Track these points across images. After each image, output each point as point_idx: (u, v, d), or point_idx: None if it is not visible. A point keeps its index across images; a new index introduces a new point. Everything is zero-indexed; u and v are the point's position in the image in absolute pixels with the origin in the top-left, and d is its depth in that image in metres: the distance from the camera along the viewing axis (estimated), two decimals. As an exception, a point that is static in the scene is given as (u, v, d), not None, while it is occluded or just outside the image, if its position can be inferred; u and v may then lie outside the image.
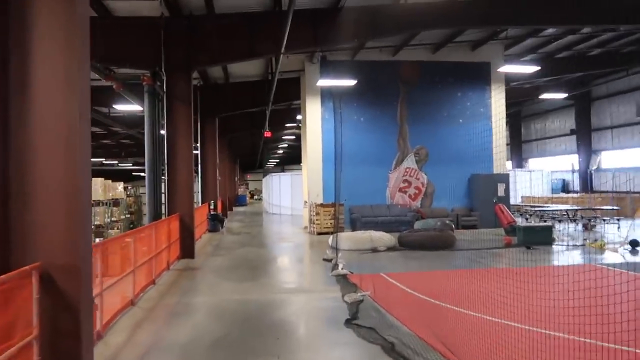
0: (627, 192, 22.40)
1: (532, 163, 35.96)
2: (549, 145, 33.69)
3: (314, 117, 17.92)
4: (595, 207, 17.55)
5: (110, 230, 18.28)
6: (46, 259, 3.93)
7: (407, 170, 18.44)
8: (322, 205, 16.99)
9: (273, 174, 31.57)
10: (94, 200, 18.08)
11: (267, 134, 19.88)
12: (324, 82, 16.21)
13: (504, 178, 18.47)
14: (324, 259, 11.10)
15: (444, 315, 6.36)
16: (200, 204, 19.30)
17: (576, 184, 31.98)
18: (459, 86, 18.79)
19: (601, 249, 12.20)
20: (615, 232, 15.77)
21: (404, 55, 17.93)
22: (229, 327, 6.05)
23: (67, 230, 3.98)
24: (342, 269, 9.39)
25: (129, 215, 21.90)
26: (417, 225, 16.72)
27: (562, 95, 26.18)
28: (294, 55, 16.77)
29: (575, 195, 28.52)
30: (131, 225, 20.74)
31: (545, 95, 25.19)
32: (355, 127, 18.13)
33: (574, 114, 30.92)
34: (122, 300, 6.72)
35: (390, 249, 12.72)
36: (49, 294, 3.92)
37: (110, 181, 19.83)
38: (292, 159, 60.22)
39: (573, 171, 32.17)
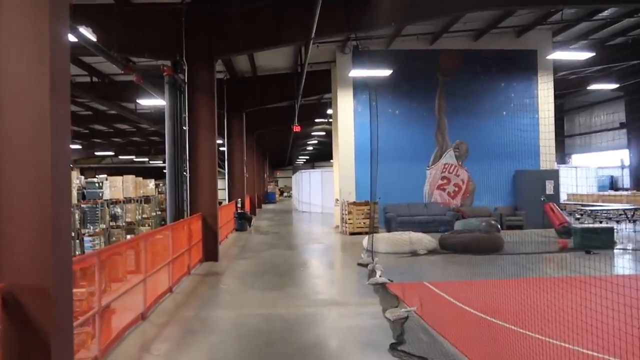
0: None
1: (576, 159, 33.94)
2: (594, 140, 31.64)
3: (345, 110, 16.87)
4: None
5: (141, 227, 17.97)
6: (11, 280, 3.04)
7: (446, 166, 17.20)
8: (355, 203, 15.95)
9: (303, 170, 30.70)
10: (125, 197, 18.12)
11: (297, 128, 18.93)
12: (357, 73, 15.13)
13: (553, 175, 17.00)
14: (359, 264, 10.07)
15: (509, 338, 5.25)
16: (227, 202, 18.55)
17: (626, 180, 29.94)
18: (503, 76, 17.40)
19: (673, 254, 10.78)
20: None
21: (443, 43, 16.67)
22: (249, 354, 5.10)
23: (38, 244, 3.07)
24: (380, 276, 8.35)
25: (159, 212, 21.47)
26: (458, 225, 15.47)
27: (612, 86, 24.34)
28: (324, 45, 15.77)
29: (625, 192, 26.60)
30: (162, 222, 20.25)
31: (593, 87, 23.42)
32: (389, 120, 16.99)
33: (623, 106, 28.88)
34: (130, 315, 5.86)
35: (431, 252, 11.59)
36: (14, 324, 3.03)
37: (141, 178, 19.54)
38: (322, 155, 59.29)
39: (622, 167, 30.13)
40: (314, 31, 10.50)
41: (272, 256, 11.74)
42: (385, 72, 14.72)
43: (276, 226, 19.79)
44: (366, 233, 15.80)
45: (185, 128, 10.93)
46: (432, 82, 17.18)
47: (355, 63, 15.94)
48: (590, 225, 12.15)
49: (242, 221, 17.72)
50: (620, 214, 15.98)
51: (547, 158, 17.48)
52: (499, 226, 13.63)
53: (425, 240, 11.79)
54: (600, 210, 16.02)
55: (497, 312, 6.16)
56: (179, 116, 10.81)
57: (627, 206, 16.38)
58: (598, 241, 11.66)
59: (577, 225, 12.43)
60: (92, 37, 8.70)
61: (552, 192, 16.65)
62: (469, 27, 15.89)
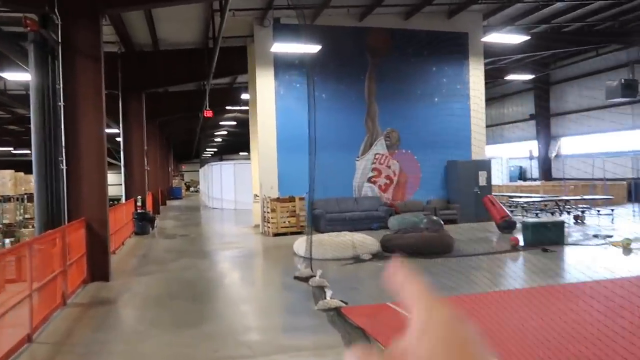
0: (601, 180, 20.94)
1: (488, 150, 34.52)
2: (506, 131, 32.30)
3: (266, 93, 14.67)
4: (587, 197, 15.63)
5: (23, 229, 14.72)
6: None
7: (377, 157, 15.67)
8: (278, 199, 13.87)
9: (213, 163, 27.91)
10: (2, 196, 15.09)
11: (208, 113, 16.35)
12: (279, 47, 12.96)
13: (486, 165, 16.16)
14: (296, 277, 8.04)
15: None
16: (123, 201, 15.58)
17: (534, 171, 30.83)
18: (434, 60, 16.20)
19: (628, 248, 10.02)
20: (611, 224, 13.91)
21: (373, 20, 15.06)
22: None
23: None
24: (331, 297, 6.39)
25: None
26: (393, 222, 14.03)
27: (526, 77, 24.54)
28: (240, 14, 13.46)
29: (535, 183, 27.19)
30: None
31: (510, 77, 23.38)
32: (316, 105, 15.07)
33: (533, 98, 29.58)
34: None
35: (375, 256, 9.87)
36: None
37: (22, 173, 16.45)
38: (232, 147, 56.27)
39: (531, 158, 30.98)
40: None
41: (182, 269, 9.32)
42: (312, 49, 12.73)
43: (184, 227, 17.11)
44: (292, 233, 13.85)
45: (61, 104, 8.14)
46: (362, 63, 15.52)
47: (277, 38, 13.83)
48: (542, 220, 11.19)
49: (143, 223, 14.89)
50: (555, 206, 15.47)
51: (478, 147, 16.66)
52: (442, 222, 12.29)
53: (367, 242, 10.03)
54: (531, 202, 15.40)
55: (498, 342, 4.50)
56: (50, 88, 8.00)
57: (562, 197, 15.93)
58: (550, 236, 10.69)
59: (527, 219, 11.42)
60: None
61: (485, 184, 15.80)
62: (400, 2, 14.43)
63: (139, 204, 15.55)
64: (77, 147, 8.19)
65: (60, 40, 8.07)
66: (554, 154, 28.92)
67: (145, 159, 16.98)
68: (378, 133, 15.68)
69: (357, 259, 9.58)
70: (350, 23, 15.05)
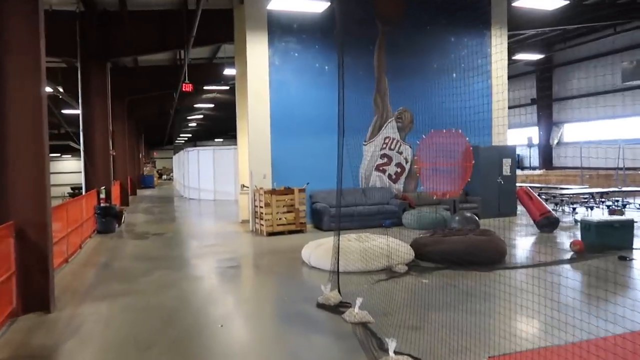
0: (620, 169, 19.19)
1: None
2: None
3: (258, 64, 12.13)
4: (628, 188, 13.71)
5: None
6: None
7: (387, 140, 13.39)
8: (273, 191, 11.46)
9: (189, 149, 25.19)
10: None
11: (187, 87, 13.69)
12: (280, 4, 10.32)
13: (510, 152, 14.06)
14: (320, 305, 5.72)
15: None
16: (83, 192, 12.95)
17: (534, 159, 29.13)
18: (453, 29, 13.94)
19: None
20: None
21: (384, -21, 12.70)
22: None
23: None
24: (395, 352, 4.07)
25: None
26: (409, 219, 11.86)
27: (536, 57, 22.61)
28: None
29: (537, 172, 25.45)
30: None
31: (519, 56, 21.33)
32: (316, 79, 12.69)
33: (534, 81, 27.77)
34: None
35: (410, 266, 7.60)
36: None
37: None
38: (208, 133, 53.29)
39: (530, 145, 29.25)
40: None
41: (157, 288, 6.86)
42: (321, 5, 10.25)
43: (158, 223, 14.54)
44: (290, 232, 11.49)
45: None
46: (371, 31, 13.14)
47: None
48: (609, 219, 9.14)
49: (108, 219, 12.28)
50: (585, 198, 13.51)
51: (499, 131, 14.55)
52: (478, 220, 10.11)
53: (402, 249, 7.74)
54: (563, 194, 13.37)
55: None
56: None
57: (595, 190, 13.96)
58: (616, 239, 8.66)
59: (589, 218, 9.33)
60: None
61: (509, 173, 13.73)
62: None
63: (102, 195, 12.92)
64: (1, 117, 5.62)
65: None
66: (555, 141, 27.24)
67: (111, 143, 14.28)
68: (389, 113, 13.38)
69: (389, 271, 7.31)
70: (358, -19, 12.62)
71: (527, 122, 28.51)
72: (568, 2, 12.96)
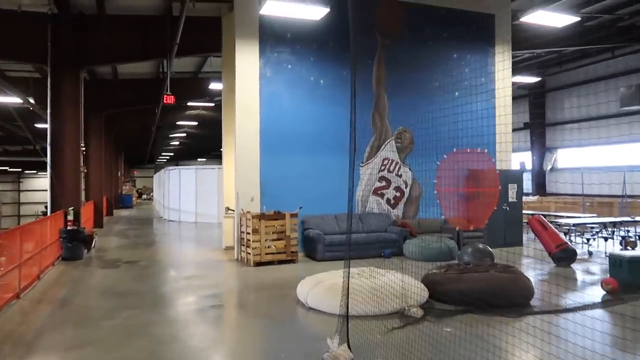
0: (621, 196, 18.46)
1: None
2: (496, 142, 29.82)
3: (247, 75, 11.08)
4: (637, 218, 12.82)
5: None
6: None
7: (386, 162, 12.38)
8: (262, 216, 10.28)
9: (170, 168, 23.89)
10: None
11: (169, 99, 12.49)
12: (274, 7, 9.28)
13: (517, 177, 13.16)
14: (326, 365, 4.54)
15: None
16: (48, 213, 11.60)
17: (527, 184, 28.42)
18: (456, 45, 13.15)
19: None
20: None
21: (385, -11, 11.88)
22: None
23: None
24: None
25: None
26: (411, 248, 10.76)
27: (533, 80, 22.03)
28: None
29: (530, 198, 24.72)
30: None
31: (516, 79, 20.71)
32: (311, 93, 11.70)
33: (527, 105, 27.26)
34: None
35: (424, 309, 6.46)
36: None
37: None
38: (191, 153, 51.94)
39: (523, 170, 28.53)
40: None
41: (122, 338, 5.58)
42: (320, 11, 9.25)
43: (132, 248, 13.18)
44: (280, 262, 10.28)
45: None
46: (370, 44, 12.24)
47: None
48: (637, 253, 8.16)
49: (74, 244, 10.93)
50: (593, 227, 12.59)
51: (503, 155, 13.64)
52: (492, 253, 9.04)
53: (414, 288, 6.60)
54: (580, 223, 12.39)
55: None
56: None
57: (607, 219, 13.07)
58: (649, 276, 7.68)
59: (618, 252, 8.33)
60: None
61: (514, 199, 12.79)
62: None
63: (70, 217, 11.57)
64: None
65: None
66: (549, 167, 26.61)
67: (82, 158, 12.97)
68: (388, 133, 12.40)
69: (403, 315, 6.16)
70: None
71: (520, 147, 27.88)
72: (578, 19, 12.32)
